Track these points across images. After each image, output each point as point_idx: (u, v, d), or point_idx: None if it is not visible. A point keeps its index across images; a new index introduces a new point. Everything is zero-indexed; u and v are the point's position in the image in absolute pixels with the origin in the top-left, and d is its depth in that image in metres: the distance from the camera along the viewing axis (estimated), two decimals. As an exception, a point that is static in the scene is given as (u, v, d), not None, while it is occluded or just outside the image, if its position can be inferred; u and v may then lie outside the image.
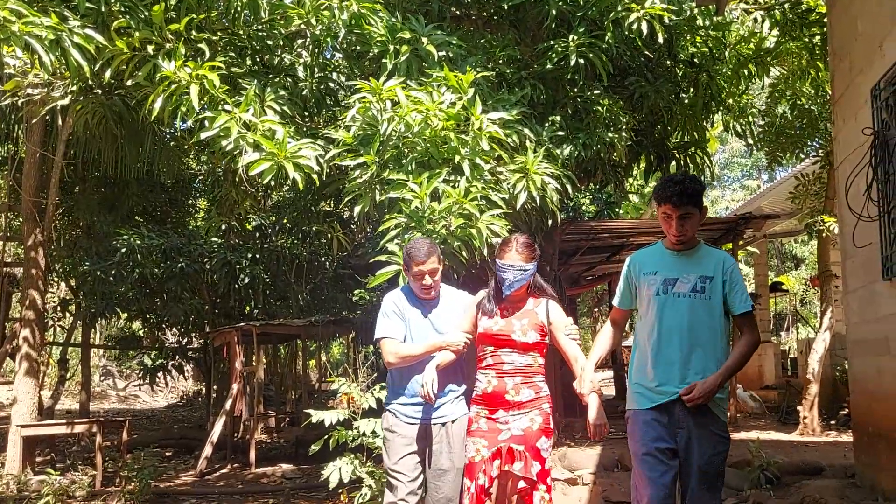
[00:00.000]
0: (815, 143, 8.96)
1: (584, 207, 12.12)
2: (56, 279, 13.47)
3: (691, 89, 6.97)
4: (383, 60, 5.20)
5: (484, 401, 3.50)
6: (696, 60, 6.88)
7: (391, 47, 5.11)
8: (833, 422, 8.54)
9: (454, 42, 5.31)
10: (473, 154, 4.79)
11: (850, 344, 5.52)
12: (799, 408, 8.94)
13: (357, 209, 4.94)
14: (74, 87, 5.93)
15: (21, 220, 10.05)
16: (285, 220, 11.51)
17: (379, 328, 3.69)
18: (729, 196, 23.43)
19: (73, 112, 6.97)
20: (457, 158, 4.76)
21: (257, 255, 11.30)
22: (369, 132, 4.91)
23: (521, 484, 3.36)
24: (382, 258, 4.69)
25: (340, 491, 5.19)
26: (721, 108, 7.23)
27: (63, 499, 7.83)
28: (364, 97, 4.88)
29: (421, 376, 3.45)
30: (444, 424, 3.66)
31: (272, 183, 5.28)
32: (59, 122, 9.07)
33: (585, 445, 7.42)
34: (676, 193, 3.06)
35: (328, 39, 5.33)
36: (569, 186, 5.43)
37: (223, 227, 12.11)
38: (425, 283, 3.59)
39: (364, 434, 4.58)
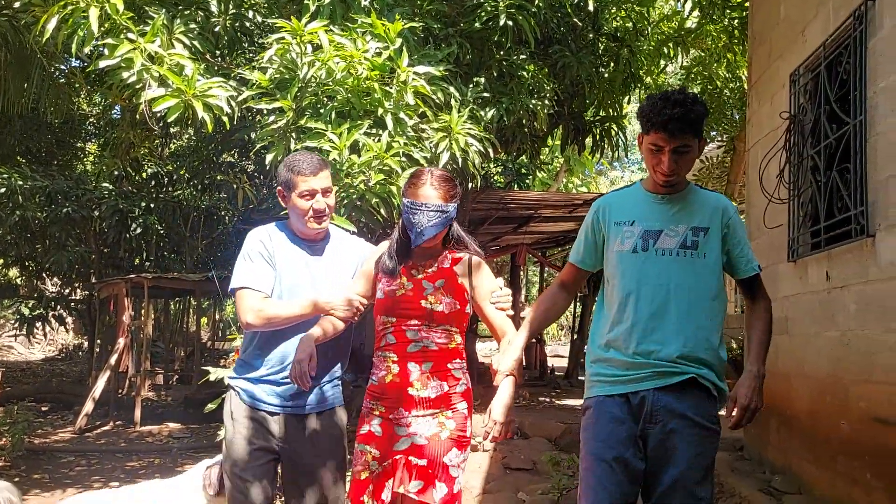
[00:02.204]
0: (719, 129, 9.23)
1: (495, 177, 12.10)
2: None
3: (612, 64, 6.98)
4: (305, 1, 4.90)
5: (380, 393, 2.64)
6: (619, 35, 6.89)
7: (315, -12, 4.82)
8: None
9: (382, -12, 5.06)
10: (397, 108, 4.59)
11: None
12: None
13: (269, 157, 4.65)
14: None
15: None
16: (183, 171, 10.94)
17: (237, 275, 2.74)
18: (628, 177, 24.04)
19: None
20: (380, 111, 4.54)
21: (151, 205, 10.70)
22: (287, 76, 4.62)
23: None
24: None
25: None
26: (639, 85, 7.28)
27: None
28: (283, 38, 4.58)
29: (292, 347, 2.61)
30: (312, 416, 2.76)
31: (177, 124, 4.91)
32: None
33: (484, 412, 7.45)
34: (676, 118, 2.29)
35: (246, -27, 4.98)
36: (490, 150, 5.32)
37: (115, 172, 11.39)
38: (317, 206, 2.70)
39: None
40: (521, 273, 15.24)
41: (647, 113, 2.36)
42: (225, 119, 4.66)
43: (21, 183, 9.86)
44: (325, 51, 4.45)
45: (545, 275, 15.38)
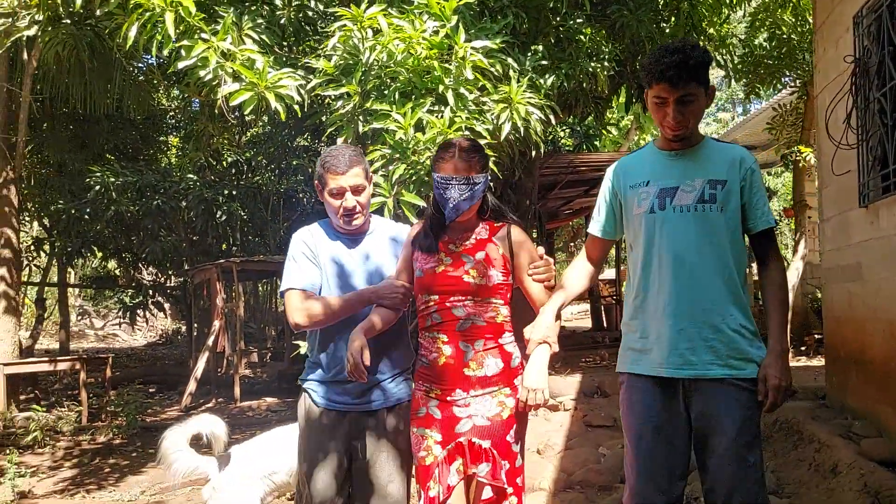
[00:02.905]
0: (792, 74, 8.98)
1: (562, 141, 12.10)
2: (28, 218, 13.27)
3: (672, 18, 6.91)
4: (363, -13, 5.09)
5: (433, 377, 2.57)
6: (676, -13, 6.82)
7: (371, -27, 4.99)
8: (803, 348, 8.81)
9: (435, -33, 5.19)
10: (457, 84, 4.74)
11: (824, 271, 5.66)
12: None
13: (340, 140, 4.89)
14: (42, 17, 5.75)
15: (-10, 157, 9.81)
16: (260, 157, 11.39)
17: (284, 278, 2.76)
18: (703, 130, 23.46)
19: (42, 44, 6.75)
20: (440, 88, 4.70)
21: (234, 192, 11.21)
22: (351, 62, 4.82)
23: (487, 493, 2.45)
24: (367, 190, 4.68)
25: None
26: (702, 37, 7.19)
27: (51, 434, 7.93)
28: (345, 25, 4.79)
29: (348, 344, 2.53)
30: (382, 411, 2.73)
31: (252, 115, 5.20)
32: (25, 55, 8.81)
33: (566, 373, 7.62)
34: (675, 66, 2.21)
35: (305, -35, 5.20)
36: (552, 117, 5.42)
37: (198, 163, 11.95)
38: (347, 205, 2.69)
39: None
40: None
41: (648, 65, 2.29)
42: (296, 107, 4.92)
43: (113, 180, 10.49)
44: (384, 34, 4.64)
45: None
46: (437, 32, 4.71)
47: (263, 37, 5.16)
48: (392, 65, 4.72)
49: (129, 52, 6.93)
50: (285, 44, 5.70)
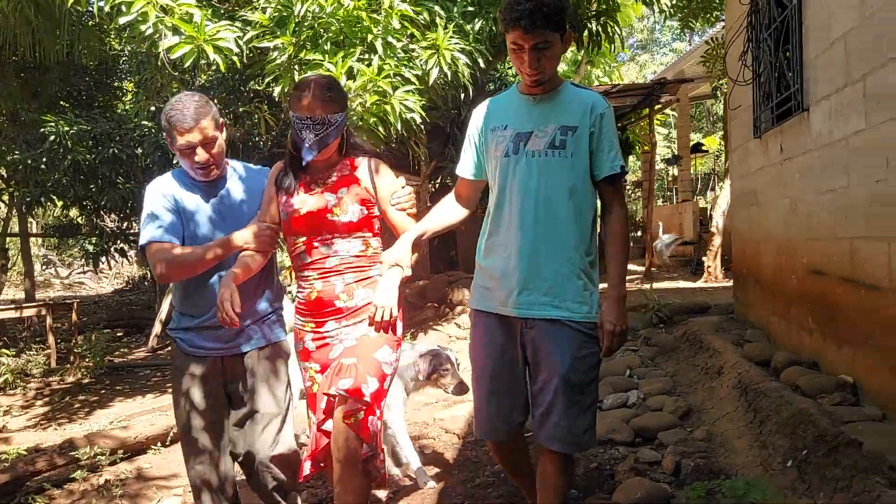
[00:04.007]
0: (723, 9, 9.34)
1: (510, 80, 12.37)
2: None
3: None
4: (295, -60, 5.32)
5: (308, 310, 2.65)
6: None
7: (301, -74, 5.23)
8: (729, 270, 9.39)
9: (363, -82, 5.44)
10: (386, 33, 5.06)
11: (732, 197, 6.19)
12: (704, 259, 9.81)
13: (277, 89, 5.21)
14: (-16, -28, 5.88)
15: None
16: (215, 101, 11.50)
17: (143, 232, 2.67)
18: (658, 60, 23.76)
19: (-15, -3, 6.87)
20: (370, 38, 5.02)
21: (190, 138, 11.36)
22: (285, 14, 5.11)
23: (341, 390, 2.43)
24: (304, 135, 5.03)
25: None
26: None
27: (21, 377, 8.31)
28: (278, -22, 5.06)
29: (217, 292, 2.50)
30: (254, 352, 2.76)
31: (193, 67, 5.47)
32: (-30, 6, 8.83)
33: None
34: (528, 13, 2.22)
35: (238, -81, 5.41)
36: (480, 60, 5.76)
37: (153, 108, 12.03)
38: (199, 160, 2.62)
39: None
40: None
41: (503, 12, 2.30)
42: (235, 59, 5.20)
43: (67, 129, 10.59)
44: (315, -13, 4.93)
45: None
46: (364, -16, 5.01)
47: (201, -10, 5.39)
48: (324, 16, 5.03)
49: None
50: (223, -4, 5.93)
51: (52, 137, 10.36)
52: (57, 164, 10.87)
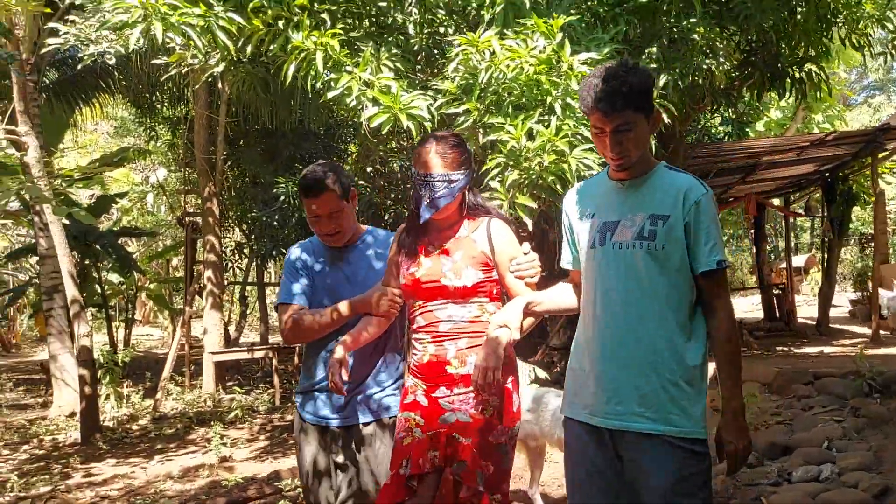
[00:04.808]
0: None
1: (716, 129, 12.00)
2: (231, 225, 15.15)
3: (800, 6, 6.87)
4: (482, 13, 5.71)
5: (421, 373, 2.56)
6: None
7: (486, 0, 5.61)
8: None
9: (547, -12, 5.71)
10: (565, 94, 5.22)
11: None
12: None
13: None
14: (224, 63, 6.89)
15: (196, 174, 11.53)
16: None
17: (279, 292, 2.83)
18: (856, 115, 21.60)
19: (227, 80, 8.01)
20: (549, 100, 5.22)
21: (399, 196, 12.21)
22: (470, 81, 5.46)
23: (462, 492, 2.36)
24: (486, 195, 5.30)
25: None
26: (835, 21, 7.07)
27: (249, 412, 9.29)
28: (464, 49, 5.44)
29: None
30: (371, 426, 2.70)
31: (389, 134, 5.98)
32: (220, 85, 10.32)
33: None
34: (607, 94, 2.08)
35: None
36: (664, 115, 5.73)
37: (369, 170, 13.12)
38: (323, 230, 2.74)
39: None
40: (764, 221, 14.73)
41: (581, 94, 2.18)
42: (427, 125, 5.63)
43: (295, 189, 11.86)
44: (497, 56, 5.24)
45: (790, 221, 14.74)
46: (544, 49, 5.23)
47: (398, 64, 5.92)
48: (507, 82, 5.31)
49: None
50: (419, 66, 6.44)
51: (282, 197, 11.63)
52: (287, 221, 12.15)
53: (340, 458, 2.71)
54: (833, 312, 14.69)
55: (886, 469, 4.07)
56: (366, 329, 2.62)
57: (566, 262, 2.48)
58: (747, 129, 11.83)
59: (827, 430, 4.88)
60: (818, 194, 12.98)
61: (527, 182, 5.16)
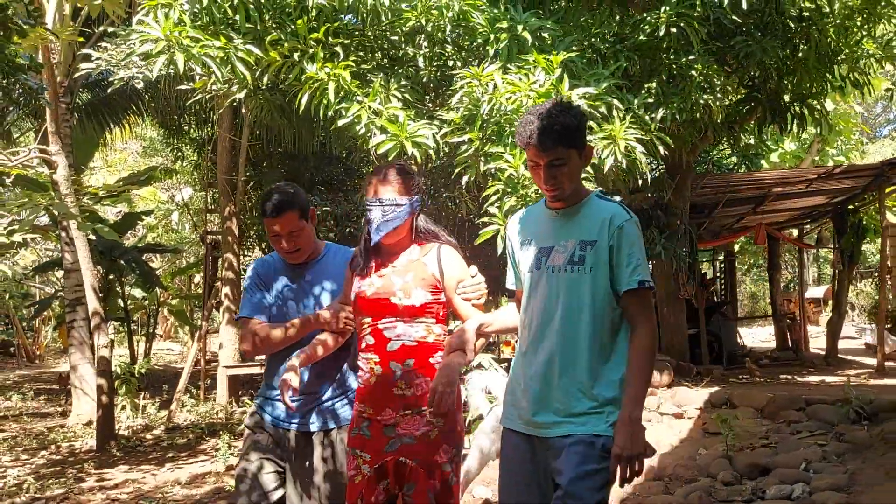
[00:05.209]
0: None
1: (725, 161, 12.17)
2: (252, 244, 15.49)
3: (802, 45, 7.10)
4: (486, 47, 6.01)
5: (367, 396, 2.59)
6: (803, 15, 7.00)
7: (491, 36, 5.91)
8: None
9: (549, 26, 6.00)
10: (562, 127, 5.49)
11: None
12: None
13: (465, 178, 5.82)
14: (245, 90, 7.26)
15: (219, 193, 11.90)
16: (430, 187, 12.63)
17: (240, 306, 2.91)
18: (877, 149, 21.57)
19: (248, 106, 8.39)
20: (547, 132, 5.48)
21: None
22: (473, 112, 5.75)
23: None
24: (485, 219, 5.56)
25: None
26: (836, 59, 7.28)
27: (260, 425, 9.52)
28: (468, 82, 5.73)
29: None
30: (320, 434, 2.79)
31: (396, 160, 6.27)
32: (243, 109, 10.71)
33: (703, 385, 7.93)
34: (539, 132, 2.23)
35: (439, 34, 6.20)
36: (660, 147, 5.97)
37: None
38: (284, 247, 2.83)
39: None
40: (778, 252, 14.81)
41: (519, 130, 2.32)
42: (431, 152, 5.91)
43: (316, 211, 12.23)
44: (499, 89, 5.52)
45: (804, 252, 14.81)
46: (544, 84, 5.51)
47: (406, 95, 6.23)
48: (507, 113, 5.59)
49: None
50: (427, 97, 6.75)
51: (302, 218, 11.96)
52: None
53: (289, 460, 2.81)
54: (849, 344, 14.72)
55: (857, 490, 4.21)
56: (322, 344, 2.72)
57: (510, 283, 2.62)
58: (761, 161, 11.97)
59: (807, 453, 5.02)
60: (830, 226, 13.07)
61: (524, 209, 5.41)
